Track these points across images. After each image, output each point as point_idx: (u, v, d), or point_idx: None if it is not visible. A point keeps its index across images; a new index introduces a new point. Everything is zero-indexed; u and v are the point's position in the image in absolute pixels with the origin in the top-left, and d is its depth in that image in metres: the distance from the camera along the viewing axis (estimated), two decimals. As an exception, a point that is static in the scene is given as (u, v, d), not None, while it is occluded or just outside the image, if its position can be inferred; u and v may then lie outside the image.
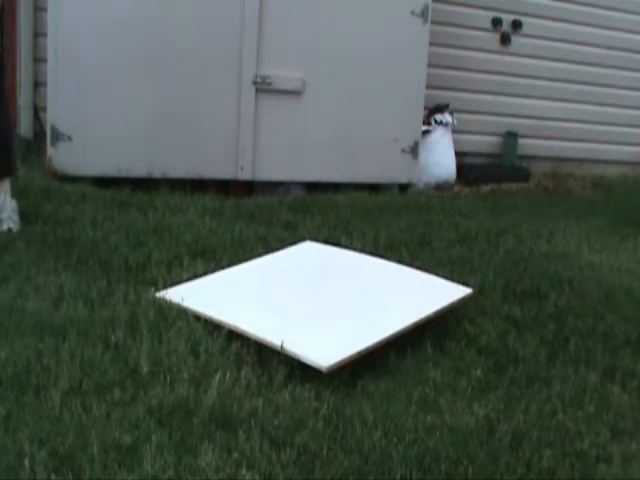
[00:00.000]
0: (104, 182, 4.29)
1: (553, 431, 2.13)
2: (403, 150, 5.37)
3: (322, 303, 2.80)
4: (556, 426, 2.16)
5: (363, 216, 4.38)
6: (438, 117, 5.78)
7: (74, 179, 4.39)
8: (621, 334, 2.84)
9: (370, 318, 2.65)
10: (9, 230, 3.31)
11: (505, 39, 6.24)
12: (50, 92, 4.46)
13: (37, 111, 5.03)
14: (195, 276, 2.99)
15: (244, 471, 1.81)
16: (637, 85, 6.82)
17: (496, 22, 6.18)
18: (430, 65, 5.38)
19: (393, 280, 3.07)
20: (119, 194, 4.18)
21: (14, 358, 2.20)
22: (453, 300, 2.85)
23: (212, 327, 2.53)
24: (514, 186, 6.00)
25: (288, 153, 5.01)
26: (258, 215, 4.17)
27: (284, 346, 2.37)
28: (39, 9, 4.91)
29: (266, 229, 3.84)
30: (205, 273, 3.03)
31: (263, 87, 4.88)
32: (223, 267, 3.11)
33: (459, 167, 5.91)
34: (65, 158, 4.51)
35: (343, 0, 5.05)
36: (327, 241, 3.55)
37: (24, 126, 5.08)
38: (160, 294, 2.77)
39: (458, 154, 5.92)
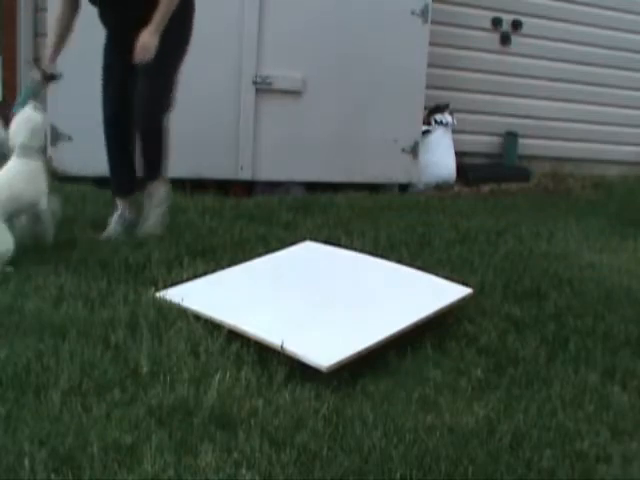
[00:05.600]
0: (104, 182, 4.28)
1: (553, 431, 2.13)
2: (403, 150, 5.37)
3: (322, 303, 2.80)
4: (556, 426, 2.16)
5: (363, 216, 4.38)
6: (438, 117, 5.78)
7: (74, 179, 4.39)
8: (621, 334, 2.83)
9: (370, 318, 2.65)
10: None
11: (505, 39, 6.23)
12: (50, 92, 4.45)
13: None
14: (195, 276, 2.99)
15: (244, 471, 1.81)
16: (637, 85, 6.82)
17: (496, 22, 6.18)
18: (430, 65, 5.38)
19: (393, 280, 3.07)
20: (119, 194, 4.18)
21: (14, 358, 2.20)
22: (453, 300, 2.85)
23: (212, 327, 2.53)
24: (514, 186, 6.00)
25: (288, 153, 5.01)
26: (258, 215, 4.17)
27: (284, 346, 2.37)
28: (39, 9, 4.92)
29: (266, 229, 3.84)
30: (205, 273, 3.03)
31: (263, 87, 4.88)
32: (223, 267, 3.11)
33: (459, 167, 5.91)
34: (65, 158, 4.51)
35: (343, 0, 5.06)
36: (327, 241, 3.54)
37: (24, 126, 5.08)
38: (160, 294, 2.77)
39: (458, 154, 5.91)
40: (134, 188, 3.71)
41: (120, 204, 3.64)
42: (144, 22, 3.27)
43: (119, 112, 3.52)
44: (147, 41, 3.26)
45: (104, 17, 3.44)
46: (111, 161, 3.64)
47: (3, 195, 3.04)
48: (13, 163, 3.14)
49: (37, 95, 3.40)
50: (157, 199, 3.58)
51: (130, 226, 3.60)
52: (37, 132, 3.19)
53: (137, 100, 3.42)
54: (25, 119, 3.18)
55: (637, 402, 2.36)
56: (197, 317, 2.60)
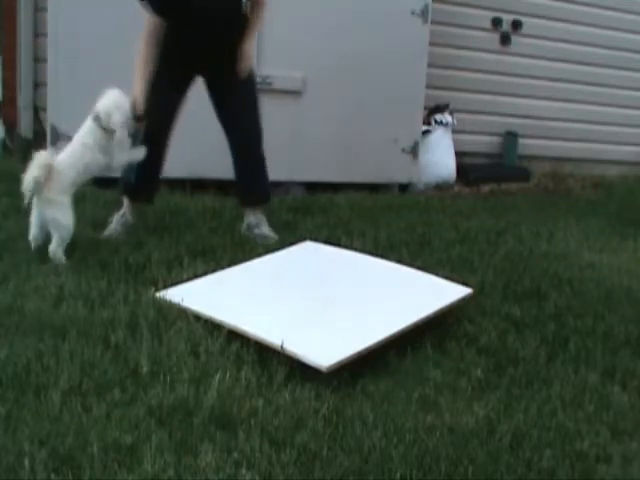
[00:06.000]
0: (104, 182, 4.29)
1: (553, 431, 2.13)
2: (403, 150, 5.37)
3: (322, 303, 2.80)
4: (556, 426, 2.16)
5: (363, 216, 4.38)
6: (438, 117, 5.78)
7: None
8: (621, 334, 2.84)
9: (370, 318, 2.66)
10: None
11: (505, 39, 6.23)
12: (50, 92, 4.46)
13: (37, 111, 5.03)
14: (195, 276, 2.99)
15: (244, 471, 1.81)
16: (637, 85, 6.82)
17: (496, 22, 6.18)
18: (430, 65, 5.38)
19: (393, 280, 3.07)
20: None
21: (14, 358, 2.20)
22: (453, 300, 2.85)
23: (212, 327, 2.53)
24: (514, 186, 6.00)
25: (288, 153, 5.01)
26: (258, 215, 4.16)
27: (284, 346, 2.37)
28: (39, 9, 4.92)
29: (266, 229, 3.84)
30: (205, 273, 3.03)
31: (263, 87, 4.87)
32: (223, 267, 3.11)
33: (459, 167, 5.90)
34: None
35: (343, 0, 5.05)
36: (327, 241, 3.55)
37: (24, 126, 5.08)
38: (160, 294, 2.77)
39: (458, 154, 5.91)
40: (151, 198, 3.71)
41: (125, 205, 3.63)
42: (232, 41, 3.49)
43: (166, 126, 3.58)
44: (250, 53, 3.57)
45: (190, 38, 3.49)
46: (138, 167, 3.58)
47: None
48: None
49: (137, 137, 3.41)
50: (261, 213, 3.78)
51: (130, 227, 3.59)
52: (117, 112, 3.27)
53: (245, 131, 3.75)
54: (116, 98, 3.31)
55: (637, 402, 2.36)
56: (197, 317, 2.60)
